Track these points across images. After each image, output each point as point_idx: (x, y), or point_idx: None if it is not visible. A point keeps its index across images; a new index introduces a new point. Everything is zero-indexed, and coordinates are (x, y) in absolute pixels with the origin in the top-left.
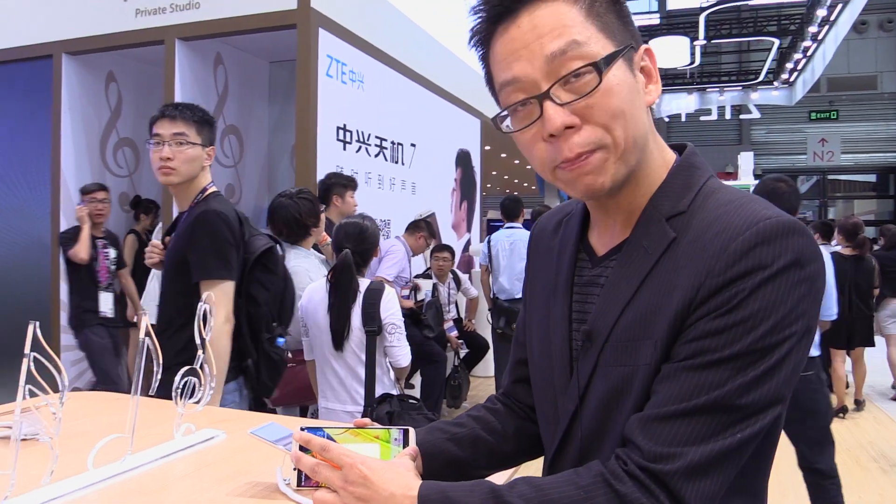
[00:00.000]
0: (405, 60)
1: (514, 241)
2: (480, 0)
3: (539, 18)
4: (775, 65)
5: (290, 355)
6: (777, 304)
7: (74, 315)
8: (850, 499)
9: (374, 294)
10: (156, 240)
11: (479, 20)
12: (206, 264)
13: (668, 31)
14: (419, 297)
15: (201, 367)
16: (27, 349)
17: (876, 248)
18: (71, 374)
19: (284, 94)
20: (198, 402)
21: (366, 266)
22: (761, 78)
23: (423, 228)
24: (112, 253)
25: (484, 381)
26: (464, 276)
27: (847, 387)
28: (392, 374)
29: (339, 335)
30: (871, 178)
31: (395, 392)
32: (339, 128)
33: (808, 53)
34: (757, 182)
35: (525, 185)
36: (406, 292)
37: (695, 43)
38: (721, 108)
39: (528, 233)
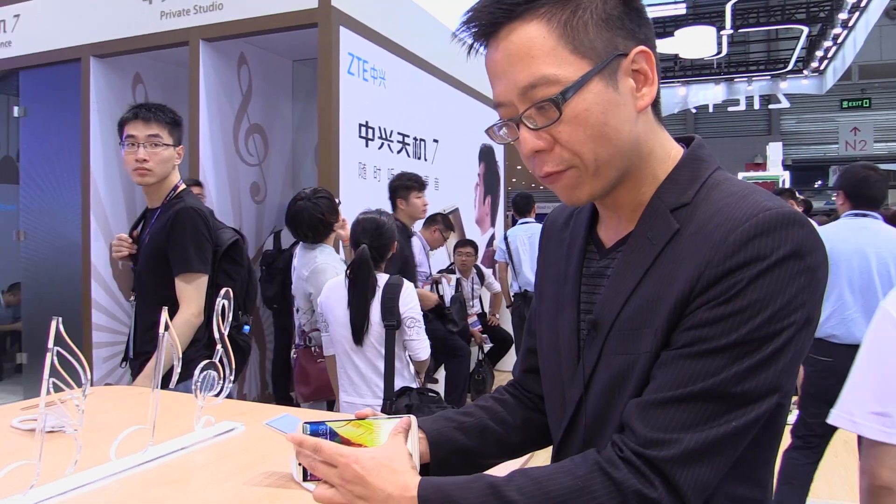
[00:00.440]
0: (427, 56)
1: (532, 235)
2: (462, 24)
3: (512, 45)
4: (805, 53)
5: (316, 350)
6: (775, 294)
7: None
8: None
9: (393, 289)
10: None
11: (470, 37)
12: (187, 258)
13: (695, 21)
14: (441, 292)
15: (220, 361)
16: (50, 344)
17: None
18: (102, 370)
19: (308, 92)
20: (217, 395)
21: (383, 261)
22: (790, 66)
23: (438, 222)
24: None
25: (508, 376)
26: (487, 271)
27: None
28: (412, 367)
29: (358, 330)
30: None
31: (414, 385)
32: (361, 125)
33: (839, 41)
34: (844, 168)
35: None
36: (427, 287)
37: (721, 32)
38: (749, 98)
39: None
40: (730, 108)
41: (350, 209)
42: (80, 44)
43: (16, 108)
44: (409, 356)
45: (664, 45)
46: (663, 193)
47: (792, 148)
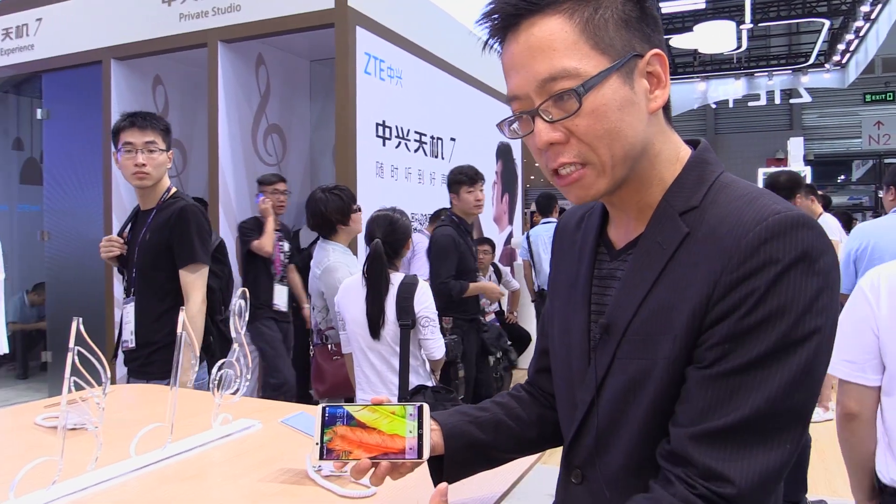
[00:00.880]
0: (443, 55)
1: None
2: (483, 15)
3: (533, 38)
4: (826, 46)
5: (333, 349)
6: (794, 298)
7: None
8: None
9: (409, 288)
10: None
11: (489, 29)
12: (192, 250)
13: (714, 16)
14: None
15: (237, 359)
16: (71, 344)
17: None
18: (125, 368)
19: (325, 91)
20: (234, 393)
21: (397, 257)
22: (812, 60)
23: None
24: (286, 246)
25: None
26: (505, 269)
27: None
28: (428, 365)
29: (374, 324)
30: None
31: (430, 384)
32: (378, 124)
33: (861, 34)
34: (894, 166)
35: None
36: None
37: (741, 27)
38: (770, 93)
39: None
40: (750, 104)
41: (367, 208)
42: (101, 46)
43: (39, 111)
44: (425, 355)
45: (683, 41)
46: (671, 197)
47: (814, 142)
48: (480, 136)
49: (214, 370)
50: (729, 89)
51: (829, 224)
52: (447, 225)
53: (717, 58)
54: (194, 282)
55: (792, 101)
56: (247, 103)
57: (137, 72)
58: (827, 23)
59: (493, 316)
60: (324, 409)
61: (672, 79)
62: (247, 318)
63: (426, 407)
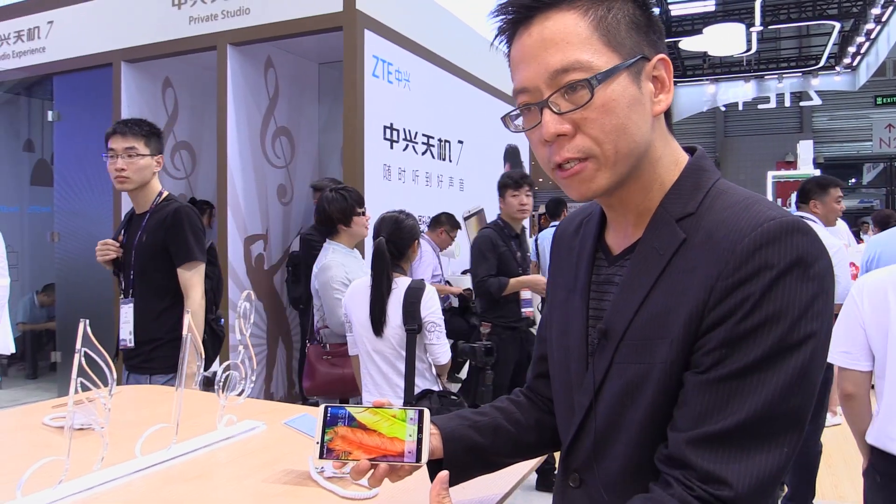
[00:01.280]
0: (451, 58)
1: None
2: (498, 7)
3: (548, 30)
4: (837, 49)
5: (327, 348)
6: (790, 303)
7: None
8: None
9: (415, 293)
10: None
11: (501, 21)
12: (189, 248)
13: (724, 18)
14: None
15: (242, 361)
16: (78, 346)
17: None
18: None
19: (334, 94)
20: (239, 395)
21: (403, 258)
22: (822, 63)
23: (443, 223)
24: None
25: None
26: None
27: None
28: (434, 369)
29: (376, 321)
30: None
31: (436, 388)
32: (385, 127)
33: (872, 36)
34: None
35: None
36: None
37: (751, 29)
38: (780, 96)
39: None
40: (760, 106)
41: (374, 210)
42: (112, 49)
43: (50, 113)
44: (431, 360)
45: (693, 43)
46: (668, 203)
47: (824, 145)
48: (488, 139)
49: (220, 371)
50: (738, 92)
51: (839, 228)
52: (490, 228)
53: (726, 60)
54: (192, 278)
55: (802, 103)
56: (255, 106)
57: (147, 74)
58: (837, 25)
59: None
60: (326, 408)
61: (681, 81)
62: (252, 320)
63: (427, 412)
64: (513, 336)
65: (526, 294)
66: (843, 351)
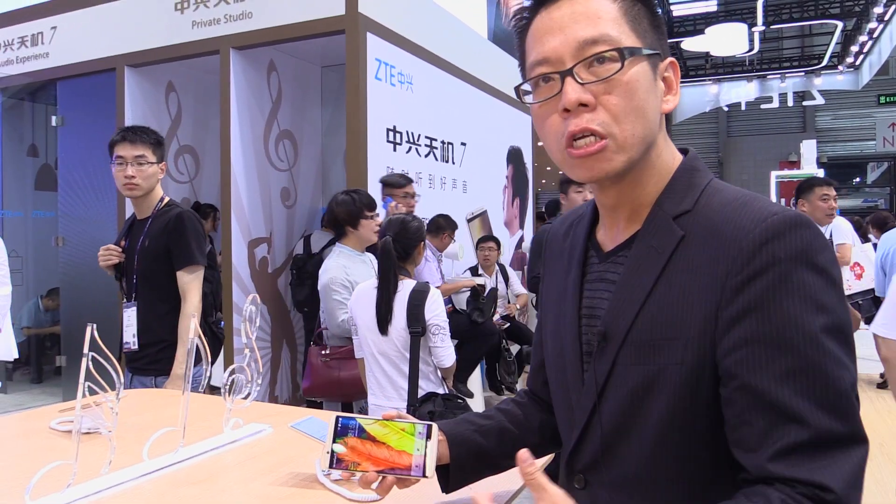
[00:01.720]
0: (454, 60)
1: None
2: None
3: (579, 5)
4: (839, 48)
5: (328, 351)
6: (806, 295)
7: None
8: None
9: (419, 295)
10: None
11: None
12: (190, 252)
13: (726, 18)
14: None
15: (248, 364)
16: (86, 350)
17: None
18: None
19: (336, 97)
20: (245, 398)
21: (408, 259)
22: (825, 63)
23: (444, 228)
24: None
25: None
26: (513, 274)
27: None
28: (440, 371)
29: (382, 320)
30: None
31: (441, 391)
32: (388, 129)
33: (875, 35)
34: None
35: None
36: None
37: (753, 29)
38: (783, 96)
39: None
40: (763, 106)
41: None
42: (115, 54)
43: (53, 118)
44: (435, 363)
45: (695, 43)
46: (663, 202)
47: (827, 145)
48: (491, 141)
49: (226, 375)
50: (741, 92)
51: (843, 227)
52: (550, 223)
53: (728, 60)
54: (191, 282)
55: (805, 103)
56: (258, 109)
57: (151, 79)
58: (840, 24)
59: (497, 315)
60: (337, 419)
61: (684, 81)
62: (257, 324)
63: (435, 427)
64: None
65: None
66: (881, 323)
